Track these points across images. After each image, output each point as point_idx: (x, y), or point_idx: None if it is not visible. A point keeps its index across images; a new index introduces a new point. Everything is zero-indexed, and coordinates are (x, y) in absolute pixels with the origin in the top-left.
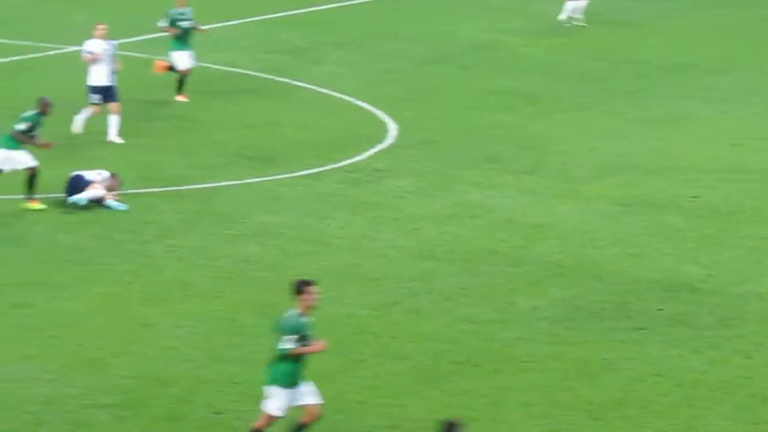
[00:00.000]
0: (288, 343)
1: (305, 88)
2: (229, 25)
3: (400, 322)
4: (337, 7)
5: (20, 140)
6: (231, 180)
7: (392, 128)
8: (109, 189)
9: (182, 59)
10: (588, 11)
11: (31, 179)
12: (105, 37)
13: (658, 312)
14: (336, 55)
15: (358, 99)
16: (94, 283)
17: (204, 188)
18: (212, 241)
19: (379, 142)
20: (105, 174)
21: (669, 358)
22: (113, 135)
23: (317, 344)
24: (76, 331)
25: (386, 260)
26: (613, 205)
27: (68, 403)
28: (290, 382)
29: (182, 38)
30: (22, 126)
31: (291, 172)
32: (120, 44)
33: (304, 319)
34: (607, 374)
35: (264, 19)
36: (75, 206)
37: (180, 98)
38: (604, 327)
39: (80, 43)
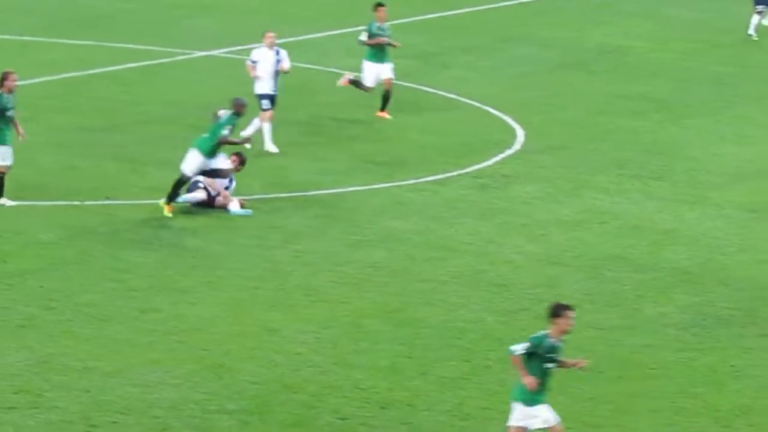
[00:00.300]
0: (518, 347)
1: (433, 93)
2: (358, 30)
3: (527, 329)
4: (467, 12)
5: (225, 144)
6: (358, 185)
7: (520, 134)
8: (237, 167)
9: (371, 72)
10: (723, 17)
11: (178, 184)
12: (273, 46)
13: None
14: (464, 60)
15: (486, 104)
16: (220, 288)
17: (331, 194)
18: (339, 246)
19: (507, 147)
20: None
21: None
22: (270, 144)
23: (580, 362)
24: (202, 336)
25: (513, 266)
26: (742, 212)
27: (193, 409)
28: (529, 399)
29: (379, 52)
30: (225, 131)
31: (418, 178)
32: (243, 50)
33: (553, 341)
34: (734, 381)
35: (392, 24)
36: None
37: (383, 114)
38: (732, 334)
39: (207, 49)
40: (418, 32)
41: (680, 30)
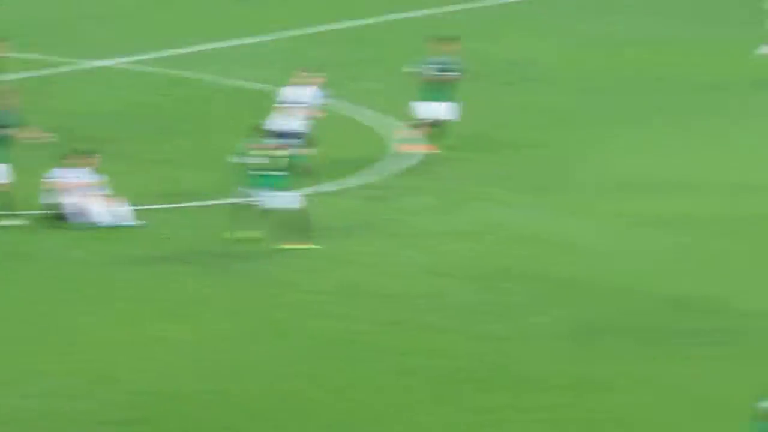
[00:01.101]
0: None
1: (333, 105)
2: (263, 41)
3: (413, 339)
4: (377, 22)
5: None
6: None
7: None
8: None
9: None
10: (628, 30)
11: None
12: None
13: (670, 328)
14: (374, 72)
15: (389, 114)
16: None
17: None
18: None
19: (402, 159)
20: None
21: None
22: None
23: None
24: (93, 347)
25: (401, 277)
26: (630, 222)
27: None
28: None
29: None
30: None
31: (313, 189)
32: (139, 60)
33: None
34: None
35: (293, 36)
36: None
37: None
38: (620, 344)
39: (102, 58)
40: (322, 44)
41: (584, 43)
